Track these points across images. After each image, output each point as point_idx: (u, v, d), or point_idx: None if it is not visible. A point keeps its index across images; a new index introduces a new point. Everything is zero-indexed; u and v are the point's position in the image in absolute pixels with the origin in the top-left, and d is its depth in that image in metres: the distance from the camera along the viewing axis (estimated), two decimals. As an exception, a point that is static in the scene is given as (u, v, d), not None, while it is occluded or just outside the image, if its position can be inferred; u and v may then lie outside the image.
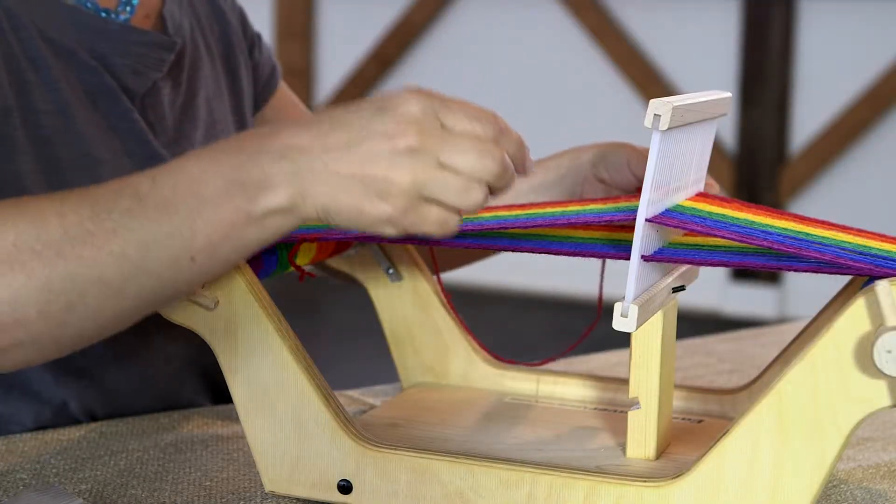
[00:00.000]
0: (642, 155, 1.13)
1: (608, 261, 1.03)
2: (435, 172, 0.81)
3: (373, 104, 0.82)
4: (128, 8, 1.12)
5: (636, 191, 1.13)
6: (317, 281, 1.11)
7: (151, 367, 1.15)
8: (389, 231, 0.82)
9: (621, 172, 1.14)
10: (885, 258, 0.88)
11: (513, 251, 1.00)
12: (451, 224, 0.82)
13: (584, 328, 1.14)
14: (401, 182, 0.81)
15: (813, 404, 0.82)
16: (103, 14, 1.10)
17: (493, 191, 0.83)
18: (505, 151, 0.83)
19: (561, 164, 1.18)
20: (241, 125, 1.25)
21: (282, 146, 0.82)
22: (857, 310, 0.81)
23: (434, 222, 0.82)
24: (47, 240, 0.81)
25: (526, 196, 1.18)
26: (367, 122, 0.81)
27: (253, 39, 1.28)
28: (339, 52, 5.02)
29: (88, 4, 1.09)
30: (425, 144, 0.81)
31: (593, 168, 1.16)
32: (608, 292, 1.10)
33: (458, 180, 0.81)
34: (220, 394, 1.21)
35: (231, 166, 0.82)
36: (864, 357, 0.80)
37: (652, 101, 0.85)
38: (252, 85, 1.27)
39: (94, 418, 1.12)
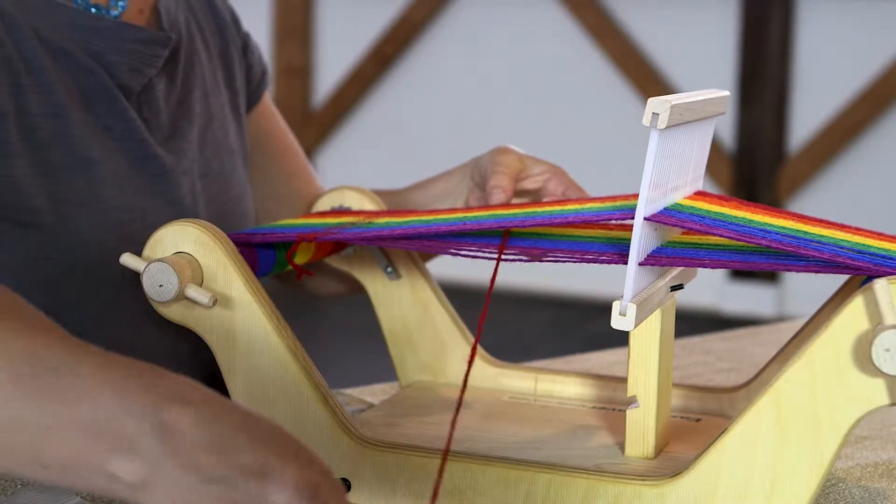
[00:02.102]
0: (508, 153, 1.15)
1: (606, 259, 1.03)
2: None
3: (260, 448, 0.72)
4: (120, 3, 1.11)
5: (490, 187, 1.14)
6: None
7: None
8: None
9: (488, 171, 1.15)
10: (883, 257, 0.88)
11: (512, 256, 0.98)
12: None
13: (582, 327, 1.14)
14: None
15: (811, 403, 0.82)
16: (94, 10, 1.10)
17: None
18: None
19: (454, 177, 1.22)
20: (238, 121, 1.24)
21: (161, 423, 0.72)
22: (856, 308, 0.81)
23: None
24: None
25: (431, 203, 1.23)
26: (245, 482, 0.70)
27: (245, 39, 1.28)
28: (338, 50, 5.02)
29: (79, 0, 1.09)
30: None
31: (472, 178, 1.19)
32: (607, 291, 1.10)
33: None
34: (218, 391, 1.21)
35: (108, 408, 0.72)
36: (863, 355, 0.80)
37: (650, 99, 0.85)
38: (246, 85, 1.27)
39: (91, 417, 1.11)
